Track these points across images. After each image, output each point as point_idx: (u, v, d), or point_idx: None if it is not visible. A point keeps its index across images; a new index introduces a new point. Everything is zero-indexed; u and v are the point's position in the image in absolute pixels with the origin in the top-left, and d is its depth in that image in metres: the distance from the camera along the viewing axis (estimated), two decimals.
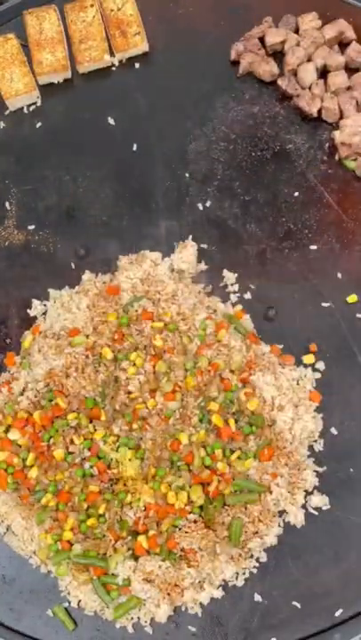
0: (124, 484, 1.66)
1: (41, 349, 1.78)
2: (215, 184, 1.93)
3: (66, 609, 1.63)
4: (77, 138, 2.00)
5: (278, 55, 2.02)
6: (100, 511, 1.64)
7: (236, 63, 2.02)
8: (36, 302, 1.86)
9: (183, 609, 1.62)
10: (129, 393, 1.71)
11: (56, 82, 2.06)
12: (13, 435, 1.70)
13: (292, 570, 1.63)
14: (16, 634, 1.63)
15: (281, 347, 1.78)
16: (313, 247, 1.86)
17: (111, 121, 2.00)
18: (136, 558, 1.63)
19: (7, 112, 2.05)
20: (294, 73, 1.99)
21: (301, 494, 1.67)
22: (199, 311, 1.77)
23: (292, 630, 1.61)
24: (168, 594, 1.60)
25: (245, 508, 1.65)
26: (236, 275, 1.85)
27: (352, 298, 1.81)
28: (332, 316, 1.80)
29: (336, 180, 1.92)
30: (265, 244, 1.87)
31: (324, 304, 1.81)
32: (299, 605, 1.61)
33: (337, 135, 1.91)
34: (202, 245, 1.88)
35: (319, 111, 1.96)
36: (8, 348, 1.84)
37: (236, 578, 1.63)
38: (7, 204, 1.97)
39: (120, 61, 2.06)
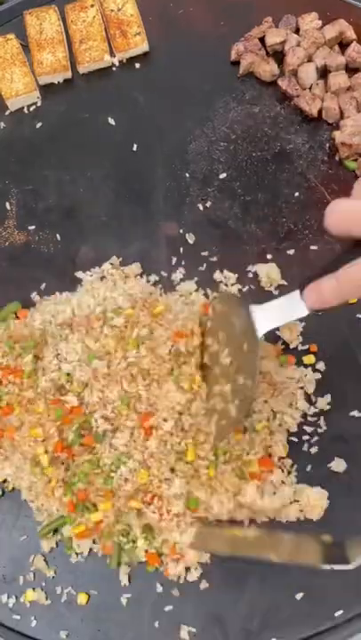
0: None
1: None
2: (216, 184, 1.91)
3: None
4: (78, 138, 1.98)
5: (279, 55, 2.00)
6: None
7: (236, 63, 2.00)
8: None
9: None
10: None
11: (56, 82, 2.04)
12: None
13: (292, 570, 1.60)
14: (17, 634, 1.61)
15: (282, 347, 1.77)
16: (314, 247, 1.84)
17: (111, 121, 1.99)
18: None
19: (7, 112, 2.03)
20: (295, 73, 1.97)
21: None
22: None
23: (293, 631, 1.58)
24: None
25: None
26: (236, 275, 1.83)
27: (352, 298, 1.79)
28: (333, 316, 1.76)
29: (337, 180, 1.90)
30: (265, 245, 1.85)
31: None
32: (299, 606, 1.59)
33: (337, 135, 1.90)
34: (203, 246, 1.86)
35: (320, 111, 1.94)
36: None
37: None
38: (7, 205, 1.95)
39: (120, 61, 2.04)
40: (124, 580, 1.62)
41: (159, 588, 1.62)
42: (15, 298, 1.85)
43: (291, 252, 1.85)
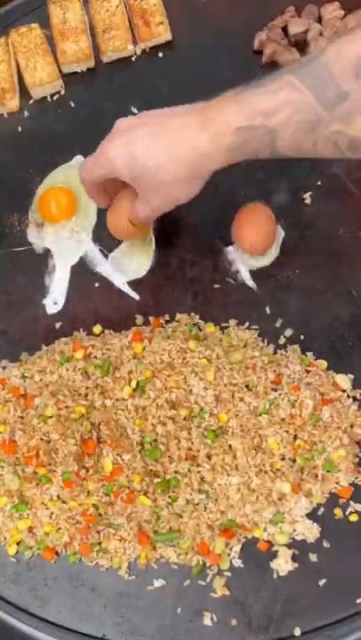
0: None
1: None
2: (237, 172, 1.85)
3: None
4: (101, 127, 1.89)
5: (301, 44, 1.94)
6: None
7: (259, 52, 1.94)
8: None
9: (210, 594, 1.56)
10: None
11: (79, 71, 1.98)
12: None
13: (313, 557, 1.56)
14: (40, 620, 1.57)
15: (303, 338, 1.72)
16: (336, 235, 1.78)
17: (134, 110, 1.93)
18: None
19: (31, 101, 1.98)
20: None
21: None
22: None
23: (315, 617, 1.54)
24: None
25: None
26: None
27: None
28: (356, 304, 1.73)
29: (359, 167, 1.83)
30: (288, 233, 1.79)
31: (349, 292, 1.74)
32: (322, 593, 1.54)
33: None
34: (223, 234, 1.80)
35: None
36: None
37: None
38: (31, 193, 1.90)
39: (143, 51, 1.98)
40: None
41: (184, 577, 1.57)
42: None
43: (313, 240, 1.79)
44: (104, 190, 1.62)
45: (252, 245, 1.71)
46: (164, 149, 1.41)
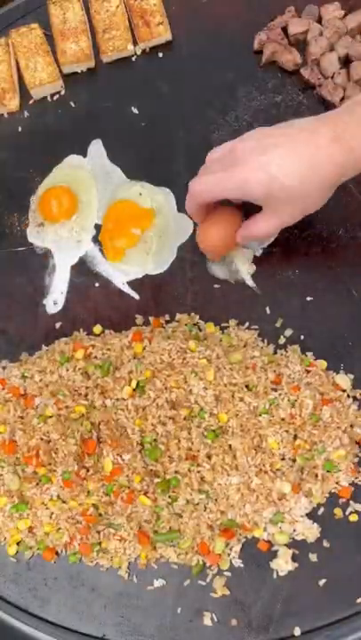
0: None
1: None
2: None
3: None
4: (101, 127, 1.92)
5: (301, 45, 1.93)
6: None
7: (259, 52, 1.93)
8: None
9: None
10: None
11: (80, 71, 1.97)
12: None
13: (313, 557, 1.56)
14: (41, 620, 1.57)
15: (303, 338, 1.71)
16: (336, 235, 1.78)
17: (135, 110, 1.93)
18: None
19: (31, 101, 1.97)
20: (317, 62, 1.90)
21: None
22: None
23: (315, 618, 1.53)
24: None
25: None
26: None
27: None
28: (357, 304, 1.72)
29: None
30: (288, 233, 1.77)
31: (348, 293, 1.73)
32: (321, 593, 1.54)
33: None
34: None
35: (342, 100, 1.86)
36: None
37: None
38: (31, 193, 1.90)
39: (143, 51, 1.97)
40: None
41: (184, 577, 1.57)
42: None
43: (311, 240, 1.78)
44: (207, 207, 1.65)
45: (209, 247, 1.73)
46: (302, 163, 1.45)
